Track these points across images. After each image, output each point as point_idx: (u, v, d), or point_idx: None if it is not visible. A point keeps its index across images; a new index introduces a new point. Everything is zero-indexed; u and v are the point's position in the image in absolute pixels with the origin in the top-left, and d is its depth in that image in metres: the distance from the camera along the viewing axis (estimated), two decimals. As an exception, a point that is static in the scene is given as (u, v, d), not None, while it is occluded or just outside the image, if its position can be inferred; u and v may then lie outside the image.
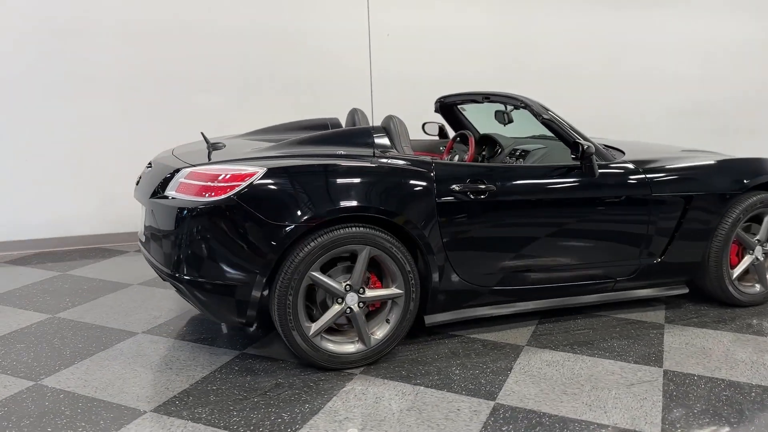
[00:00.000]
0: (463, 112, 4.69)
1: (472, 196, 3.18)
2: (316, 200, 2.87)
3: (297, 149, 3.22)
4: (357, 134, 3.36)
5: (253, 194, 2.83)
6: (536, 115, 3.53)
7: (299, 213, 2.83)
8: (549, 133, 3.62)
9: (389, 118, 3.49)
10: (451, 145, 4.63)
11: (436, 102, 4.64)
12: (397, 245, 3.01)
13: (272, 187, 2.86)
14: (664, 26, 6.91)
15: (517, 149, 4.17)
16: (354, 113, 4.12)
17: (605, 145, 4.19)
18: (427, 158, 3.22)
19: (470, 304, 3.37)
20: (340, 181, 2.95)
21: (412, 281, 3.07)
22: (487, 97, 4.03)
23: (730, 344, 3.34)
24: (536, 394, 2.81)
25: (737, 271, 3.82)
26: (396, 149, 3.31)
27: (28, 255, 5.25)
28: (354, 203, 2.91)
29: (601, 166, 3.48)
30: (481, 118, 4.65)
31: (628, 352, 3.24)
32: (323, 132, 3.45)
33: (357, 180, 2.97)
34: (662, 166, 3.63)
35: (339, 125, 4.07)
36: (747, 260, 3.85)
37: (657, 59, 6.95)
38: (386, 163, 3.10)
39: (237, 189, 2.83)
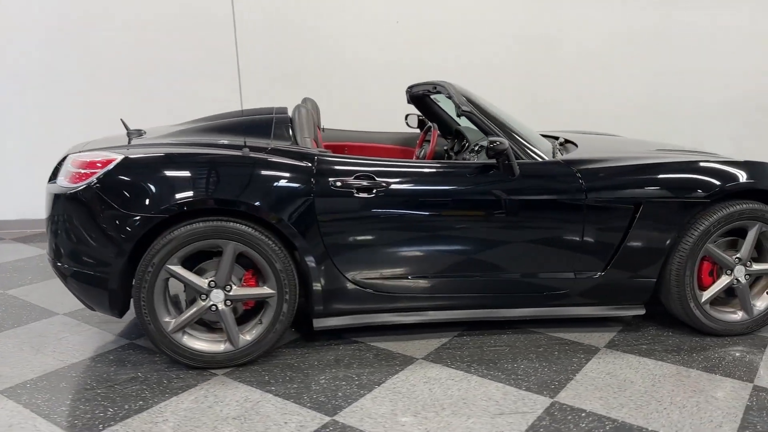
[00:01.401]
0: (438, 103, 4.37)
1: (358, 193, 2.92)
2: (169, 191, 2.76)
3: (190, 137, 3.15)
4: (258, 123, 3.22)
5: (108, 182, 2.78)
6: (456, 107, 3.20)
7: (150, 203, 2.75)
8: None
9: (297, 107, 3.32)
10: (423, 138, 4.34)
11: (406, 92, 4.35)
12: (266, 242, 2.83)
13: (127, 175, 2.79)
14: (717, 15, 6.06)
15: (478, 144, 3.82)
16: (305, 102, 3.97)
17: (565, 140, 3.75)
18: (313, 151, 3.01)
19: (368, 309, 3.11)
20: (198, 172, 2.82)
21: (285, 281, 2.88)
22: (434, 87, 3.71)
23: (661, 379, 2.83)
24: (383, 413, 2.54)
25: (708, 294, 3.24)
26: (296, 140, 3.13)
27: (37, 233, 5.58)
28: (210, 195, 2.77)
29: (525, 165, 3.09)
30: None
31: (529, 377, 2.84)
32: (230, 120, 3.33)
33: (218, 171, 2.83)
34: (605, 166, 3.15)
35: (285, 113, 3.93)
36: (722, 282, 3.25)
37: (709, 51, 6.11)
38: (258, 154, 2.92)
39: (95, 176, 2.79)
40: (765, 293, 3.35)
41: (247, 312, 3.01)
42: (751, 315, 3.29)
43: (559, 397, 2.67)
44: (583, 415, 2.53)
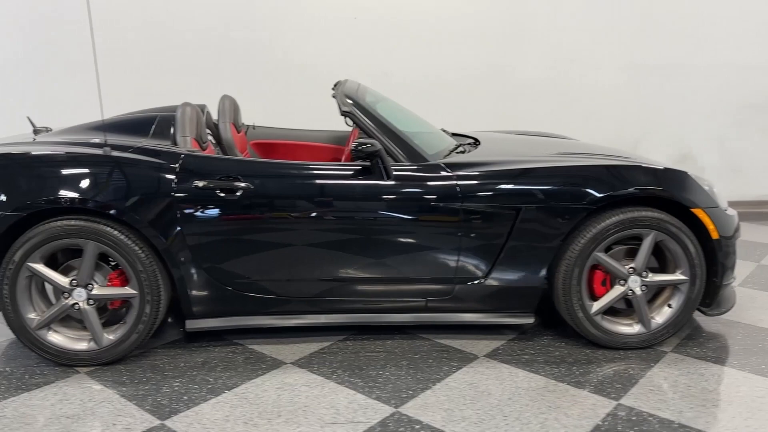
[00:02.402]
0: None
1: (222, 194, 2.90)
2: (24, 189, 2.80)
3: (71, 136, 3.18)
4: (140, 122, 3.23)
5: (-29, 180, 2.83)
6: (338, 107, 3.15)
7: (7, 201, 2.78)
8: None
9: (182, 105, 3.31)
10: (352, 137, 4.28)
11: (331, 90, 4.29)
12: (125, 243, 2.84)
13: (-11, 174, 2.84)
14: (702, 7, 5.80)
15: None
16: (223, 100, 3.97)
17: (475, 140, 3.65)
18: (181, 150, 3.00)
19: (239, 311, 3.09)
20: (54, 170, 2.85)
21: (146, 282, 2.88)
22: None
23: (522, 392, 2.73)
24: (215, 420, 2.52)
25: (599, 305, 3.10)
26: (175, 139, 3.12)
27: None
28: (63, 195, 2.79)
29: (401, 168, 3.02)
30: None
31: (387, 385, 2.78)
32: (117, 118, 3.34)
33: (74, 170, 2.85)
34: (484, 171, 3.04)
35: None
36: (615, 292, 3.10)
37: (694, 46, 5.85)
38: (120, 153, 2.92)
39: (-39, 175, 2.84)
40: (666, 306, 3.18)
41: (119, 312, 3.03)
42: (648, 328, 3.13)
43: (404, 408, 2.60)
44: (417, 427, 2.46)
